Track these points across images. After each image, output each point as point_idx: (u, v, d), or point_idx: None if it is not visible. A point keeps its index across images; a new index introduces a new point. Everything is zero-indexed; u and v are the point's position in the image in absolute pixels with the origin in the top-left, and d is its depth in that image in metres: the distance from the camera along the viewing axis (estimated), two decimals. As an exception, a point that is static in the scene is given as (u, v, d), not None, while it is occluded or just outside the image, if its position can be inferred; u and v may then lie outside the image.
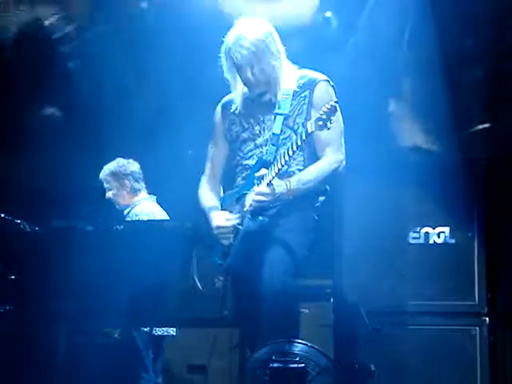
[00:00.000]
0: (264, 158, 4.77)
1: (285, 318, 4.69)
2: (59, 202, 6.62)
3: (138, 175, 6.50)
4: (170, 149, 6.96)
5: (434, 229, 6.19)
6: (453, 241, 6.17)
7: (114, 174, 6.49)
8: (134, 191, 6.47)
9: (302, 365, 4.43)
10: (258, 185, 4.69)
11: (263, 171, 4.68)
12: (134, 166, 6.51)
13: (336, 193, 5.72)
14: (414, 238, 6.20)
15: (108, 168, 6.52)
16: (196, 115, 6.16)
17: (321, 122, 4.47)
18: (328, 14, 6.72)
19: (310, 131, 4.52)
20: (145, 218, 6.25)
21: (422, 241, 6.20)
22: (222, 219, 4.83)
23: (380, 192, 6.21)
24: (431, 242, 6.18)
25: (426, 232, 6.20)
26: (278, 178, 4.65)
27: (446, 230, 6.18)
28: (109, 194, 6.49)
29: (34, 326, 5.04)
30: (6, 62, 6.90)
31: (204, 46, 5.70)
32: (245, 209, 4.75)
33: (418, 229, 6.20)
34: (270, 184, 4.64)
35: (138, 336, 5.98)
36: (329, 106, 4.48)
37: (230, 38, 4.78)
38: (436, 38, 6.37)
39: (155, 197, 6.52)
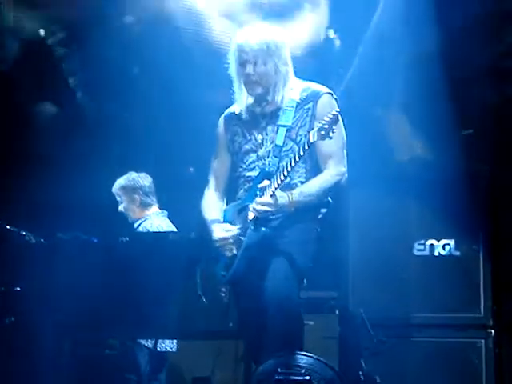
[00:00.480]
0: (267, 169, 4.76)
1: (289, 330, 4.67)
2: (65, 213, 6.62)
3: (148, 189, 6.48)
4: (184, 164, 6.97)
5: (438, 241, 6.19)
6: (458, 253, 6.17)
7: (124, 188, 6.49)
8: (144, 206, 6.46)
9: (308, 377, 4.42)
10: (260, 196, 4.67)
11: (265, 182, 4.67)
12: (144, 180, 6.50)
13: (341, 205, 5.73)
14: (419, 250, 6.20)
15: (119, 182, 6.53)
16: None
17: (323, 132, 4.46)
18: (332, 33, 6.73)
19: (312, 141, 4.50)
20: (153, 234, 6.24)
21: (427, 253, 6.20)
22: (222, 231, 4.82)
23: (385, 204, 6.22)
24: (436, 254, 6.19)
25: (431, 244, 6.20)
26: (281, 189, 4.64)
27: (451, 242, 6.18)
28: (120, 208, 6.50)
29: (38, 337, 5.05)
30: (10, 75, 6.92)
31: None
32: (248, 219, 4.75)
33: (423, 241, 6.21)
34: (273, 195, 4.63)
35: (139, 349, 5.99)
36: (331, 116, 4.46)
37: (243, 34, 4.76)
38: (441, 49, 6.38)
39: (166, 212, 6.50)
